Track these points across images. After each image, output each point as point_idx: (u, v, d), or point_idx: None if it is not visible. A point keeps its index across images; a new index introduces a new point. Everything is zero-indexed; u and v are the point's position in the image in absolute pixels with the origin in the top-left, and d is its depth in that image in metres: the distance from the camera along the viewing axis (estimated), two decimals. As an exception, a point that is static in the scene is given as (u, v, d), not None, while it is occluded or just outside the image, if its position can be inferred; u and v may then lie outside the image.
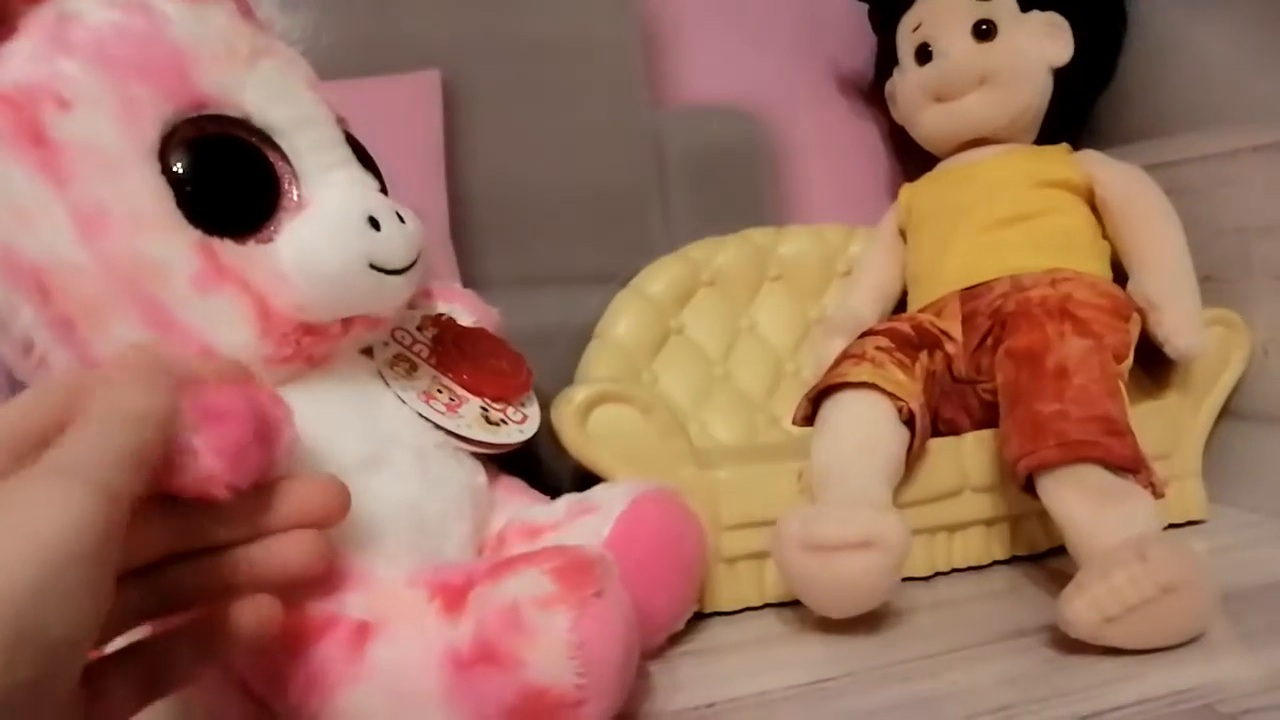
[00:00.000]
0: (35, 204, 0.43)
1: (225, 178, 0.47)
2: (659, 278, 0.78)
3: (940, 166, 0.79)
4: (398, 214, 0.51)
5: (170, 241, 0.45)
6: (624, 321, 0.76)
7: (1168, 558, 0.46)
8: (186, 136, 0.46)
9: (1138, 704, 0.43)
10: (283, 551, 0.37)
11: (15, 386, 0.53)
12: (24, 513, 0.25)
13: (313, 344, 0.49)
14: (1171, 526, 0.68)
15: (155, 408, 0.30)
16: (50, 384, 0.31)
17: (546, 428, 0.60)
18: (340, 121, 0.54)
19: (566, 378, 0.76)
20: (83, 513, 0.26)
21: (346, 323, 0.51)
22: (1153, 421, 0.66)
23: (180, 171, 0.45)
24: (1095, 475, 0.52)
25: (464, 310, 0.65)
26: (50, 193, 0.43)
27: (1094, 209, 0.71)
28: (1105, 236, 0.71)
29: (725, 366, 0.79)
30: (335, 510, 0.39)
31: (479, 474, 0.56)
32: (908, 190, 0.80)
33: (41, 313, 0.44)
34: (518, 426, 0.59)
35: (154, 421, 0.30)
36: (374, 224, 0.49)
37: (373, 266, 0.49)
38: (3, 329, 0.46)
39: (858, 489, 0.55)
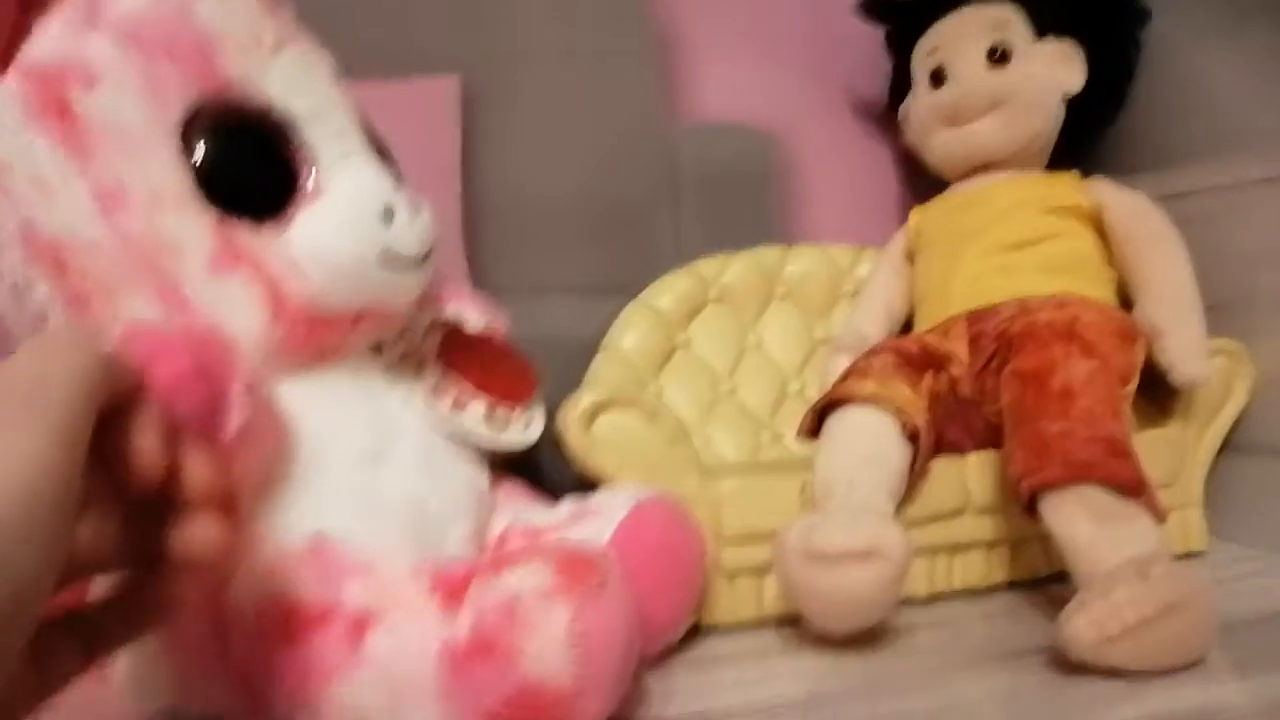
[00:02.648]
0: (57, 177, 0.43)
1: (244, 162, 0.48)
2: (667, 292, 0.78)
3: (950, 190, 0.80)
4: (412, 205, 0.51)
5: (188, 221, 0.45)
6: (631, 334, 0.76)
7: (1169, 578, 0.46)
8: (209, 119, 0.46)
9: (1137, 723, 0.42)
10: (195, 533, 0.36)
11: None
12: None
13: (323, 335, 0.50)
14: (1173, 557, 0.68)
15: (96, 355, 0.29)
16: None
17: (550, 436, 0.60)
18: (360, 114, 0.54)
19: (573, 387, 0.75)
20: (45, 458, 0.26)
21: (357, 317, 0.51)
22: (1155, 450, 0.66)
23: (201, 153, 0.46)
24: (1098, 496, 0.52)
25: (474, 313, 0.65)
26: (72, 167, 0.43)
27: (1102, 236, 0.72)
28: (1112, 263, 0.71)
29: (731, 382, 0.79)
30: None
31: (482, 474, 0.56)
32: (917, 213, 0.80)
33: (57, 288, 0.45)
34: (521, 429, 0.59)
35: (97, 367, 0.29)
36: (388, 215, 0.49)
37: (386, 257, 0.49)
38: (18, 303, 0.46)
39: (861, 500, 0.55)
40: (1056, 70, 0.75)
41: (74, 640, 0.31)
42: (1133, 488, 0.52)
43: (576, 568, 0.39)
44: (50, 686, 0.30)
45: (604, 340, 0.77)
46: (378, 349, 0.56)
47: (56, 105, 0.43)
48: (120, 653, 0.34)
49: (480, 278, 0.77)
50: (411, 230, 0.50)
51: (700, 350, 0.79)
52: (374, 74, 0.74)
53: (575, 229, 0.81)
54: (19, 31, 0.43)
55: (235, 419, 0.39)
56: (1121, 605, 0.45)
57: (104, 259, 0.44)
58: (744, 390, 0.79)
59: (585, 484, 0.59)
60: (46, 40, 0.44)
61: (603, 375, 0.74)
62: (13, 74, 0.43)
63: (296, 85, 0.50)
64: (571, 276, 0.81)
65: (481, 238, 0.79)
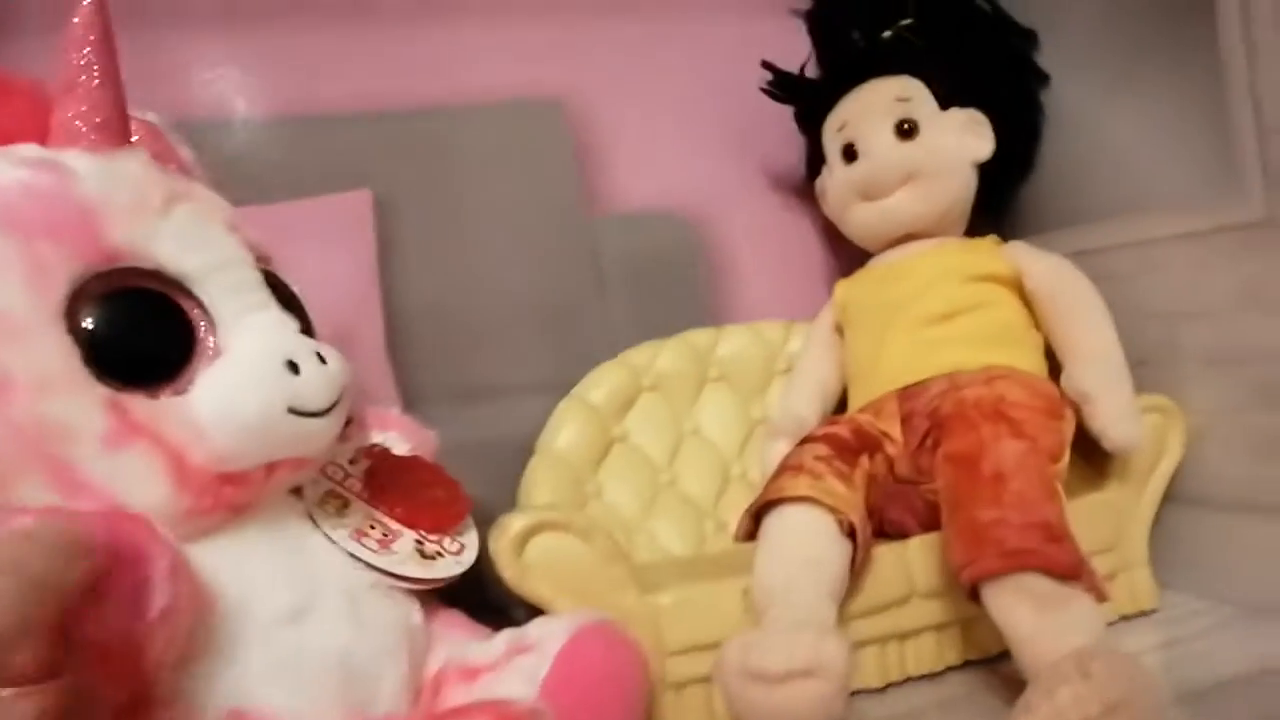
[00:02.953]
0: (-62, 373, 0.42)
1: (137, 331, 0.46)
2: (600, 385, 0.78)
3: (873, 262, 0.80)
4: (319, 354, 0.50)
5: (78, 402, 0.43)
6: (566, 432, 0.75)
7: (1110, 674, 0.45)
8: (95, 292, 0.45)
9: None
10: None
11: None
12: None
13: (234, 494, 0.48)
14: (1123, 619, 0.68)
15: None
16: None
17: (487, 549, 0.59)
18: (261, 260, 0.53)
19: (509, 490, 0.75)
20: None
21: (270, 467, 0.49)
22: (1095, 514, 0.66)
23: (89, 328, 0.44)
24: (1037, 583, 0.52)
25: (399, 437, 0.64)
26: (-46, 361, 0.42)
27: (1026, 301, 0.72)
28: (1038, 327, 0.72)
29: (671, 472, 0.78)
30: None
31: (414, 613, 0.55)
32: (842, 286, 0.81)
33: (-54, 480, 0.43)
34: (454, 558, 0.58)
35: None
36: (293, 368, 0.48)
37: (293, 410, 0.48)
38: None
39: (802, 610, 0.54)
40: (965, 139, 0.76)
41: None
42: (1071, 572, 0.52)
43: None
44: None
45: (539, 441, 0.76)
46: (298, 491, 0.55)
47: (-67, 297, 0.42)
48: None
49: (409, 386, 0.76)
50: (320, 380, 0.49)
51: (638, 441, 0.78)
52: (286, 190, 0.74)
53: (502, 330, 0.81)
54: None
55: (159, 601, 0.38)
56: (1065, 707, 0.44)
57: (-7, 448, 0.43)
58: (685, 479, 0.78)
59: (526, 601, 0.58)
60: (-82, 231, 0.42)
61: (539, 479, 0.73)
62: (-116, 268, 0.42)
63: (189, 243, 0.48)
64: (502, 377, 0.80)
65: (409, 347, 0.78)
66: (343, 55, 0.84)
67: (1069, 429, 0.63)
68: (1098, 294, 0.69)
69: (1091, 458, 0.68)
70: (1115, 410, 0.64)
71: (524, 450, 0.76)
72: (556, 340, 0.82)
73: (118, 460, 0.44)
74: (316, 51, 0.83)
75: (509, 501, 0.74)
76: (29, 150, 0.47)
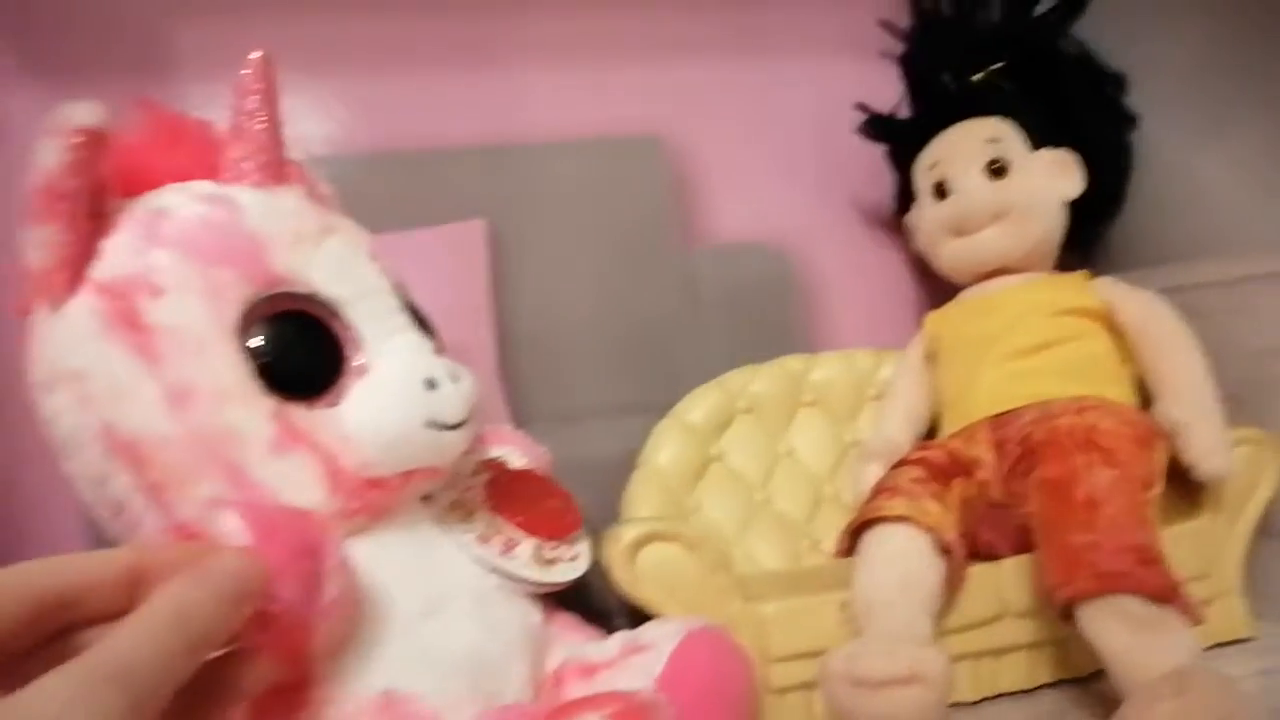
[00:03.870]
0: (131, 383, 0.47)
1: (297, 349, 0.51)
2: (698, 407, 0.81)
3: (963, 295, 0.82)
4: (452, 374, 0.54)
5: (249, 411, 0.48)
6: (665, 451, 0.79)
7: (1207, 692, 0.47)
8: (263, 313, 0.50)
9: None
10: None
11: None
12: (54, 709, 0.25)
13: (377, 497, 0.53)
14: (1216, 645, 0.69)
15: (208, 606, 0.30)
16: (120, 552, 0.31)
17: (597, 561, 0.63)
18: (399, 287, 0.58)
19: (612, 506, 0.78)
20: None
21: (407, 475, 0.54)
22: (1188, 542, 0.67)
23: (257, 345, 0.49)
24: (1131, 605, 0.53)
25: (516, 452, 0.68)
26: (144, 372, 0.47)
27: (1116, 335, 0.74)
28: (1129, 361, 0.73)
29: (765, 492, 0.81)
30: None
31: (534, 613, 0.58)
32: (932, 319, 0.83)
33: (135, 479, 0.48)
34: (570, 564, 0.61)
35: (206, 620, 0.30)
36: (431, 385, 0.53)
37: (431, 424, 0.52)
38: (98, 492, 0.49)
39: (901, 624, 0.56)
40: (1054, 179, 0.78)
41: None
42: (1165, 595, 0.53)
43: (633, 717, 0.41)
44: None
45: (640, 458, 0.79)
46: (427, 498, 0.59)
47: (127, 316, 0.47)
48: None
49: (518, 408, 0.81)
50: (455, 397, 0.53)
51: (733, 462, 0.81)
52: (405, 221, 0.79)
53: (604, 354, 0.85)
54: (88, 252, 0.48)
55: (330, 591, 0.42)
56: (1163, 723, 0.46)
57: (175, 451, 0.48)
58: (779, 499, 0.81)
59: (632, 607, 0.61)
60: (114, 257, 0.48)
61: (640, 494, 0.77)
62: (86, 290, 0.48)
63: (339, 272, 0.54)
64: (603, 399, 0.85)
65: (517, 370, 0.83)
66: (458, 95, 0.90)
67: (1162, 458, 0.64)
68: (1186, 328, 0.71)
69: (1185, 489, 0.69)
70: (1207, 441, 0.65)
71: (623, 468, 0.79)
72: (654, 365, 0.86)
73: (282, 464, 0.49)
74: (433, 91, 0.89)
75: (610, 516, 0.77)
76: (204, 186, 0.52)
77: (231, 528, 0.41)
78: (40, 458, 0.80)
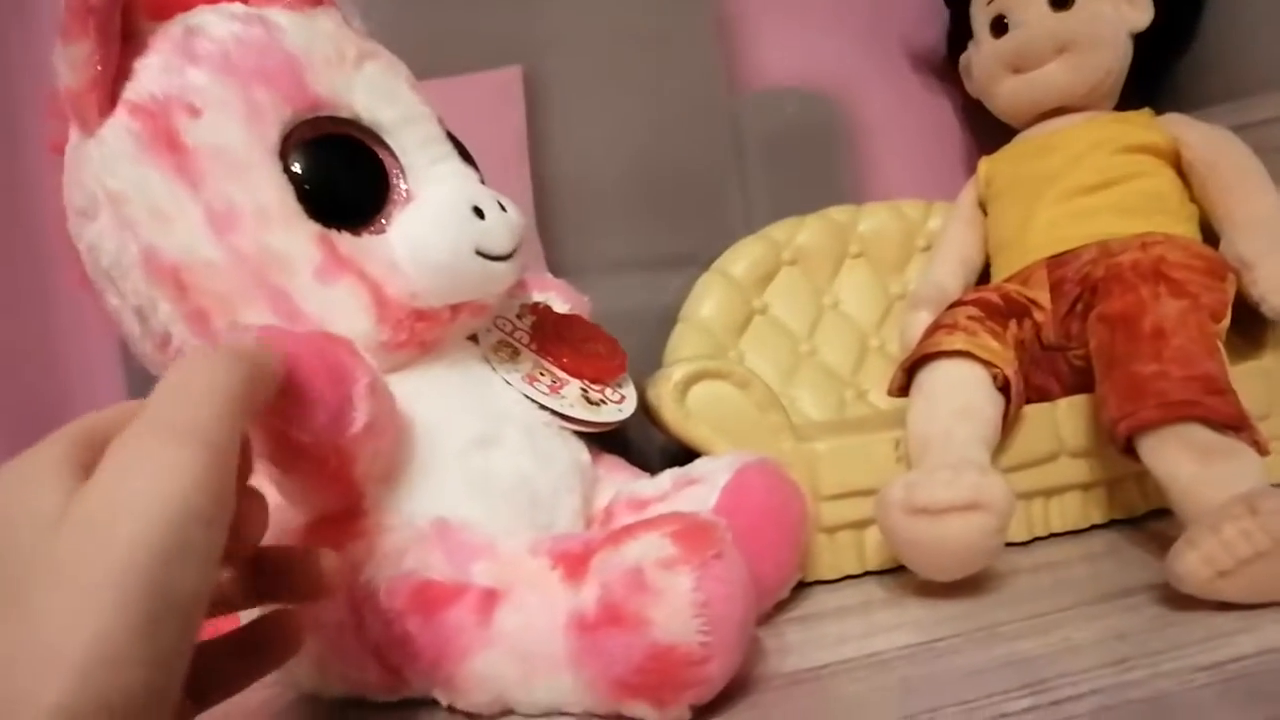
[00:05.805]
0: (172, 205, 0.46)
1: (340, 174, 0.50)
2: (741, 259, 0.79)
3: (1020, 137, 0.79)
4: (499, 203, 0.53)
5: (294, 235, 0.47)
6: (709, 303, 0.77)
7: None
8: (304, 136, 0.49)
9: (1257, 655, 0.42)
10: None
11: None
12: (147, 474, 0.26)
13: (424, 329, 0.52)
14: (1277, 485, 0.67)
15: (243, 368, 0.31)
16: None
17: (637, 410, 0.62)
18: (440, 119, 0.56)
19: (653, 359, 0.77)
20: (199, 473, 0.26)
21: (455, 309, 0.53)
22: (1251, 382, 0.64)
23: (299, 170, 0.48)
24: (1198, 434, 0.52)
25: (558, 298, 0.67)
26: (186, 194, 0.46)
27: (1181, 172, 0.71)
28: (1194, 199, 0.70)
29: (811, 343, 0.80)
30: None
31: (583, 451, 0.58)
32: (986, 163, 0.80)
33: (179, 307, 0.47)
34: (616, 406, 0.61)
35: (245, 380, 0.30)
36: (479, 213, 0.51)
37: (479, 253, 0.51)
38: (143, 324, 0.49)
39: (958, 453, 0.55)
40: (1122, 8, 0.74)
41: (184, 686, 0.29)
42: (1233, 423, 0.52)
43: (694, 537, 0.40)
44: None
45: (682, 311, 0.78)
46: (473, 338, 0.58)
47: (166, 137, 0.46)
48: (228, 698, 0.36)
49: (556, 259, 0.79)
50: (501, 226, 0.52)
51: (778, 314, 0.80)
52: (439, 68, 0.77)
53: (644, 204, 0.83)
54: (121, 72, 0.46)
55: (361, 416, 0.42)
56: (1233, 540, 0.45)
57: (220, 277, 0.47)
58: (824, 350, 0.80)
59: (672, 456, 0.61)
60: (148, 77, 0.46)
61: (684, 346, 0.76)
62: (121, 111, 0.46)
63: (381, 96, 0.52)
64: (643, 251, 0.83)
65: (553, 220, 0.81)
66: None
67: (1230, 290, 0.62)
68: (1259, 162, 0.68)
69: (1248, 329, 0.67)
70: (1276, 276, 0.63)
71: (666, 321, 0.79)
72: (697, 216, 0.84)
73: (329, 292, 0.48)
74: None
75: (650, 369, 0.77)
76: (236, 7, 0.50)
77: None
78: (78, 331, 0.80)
